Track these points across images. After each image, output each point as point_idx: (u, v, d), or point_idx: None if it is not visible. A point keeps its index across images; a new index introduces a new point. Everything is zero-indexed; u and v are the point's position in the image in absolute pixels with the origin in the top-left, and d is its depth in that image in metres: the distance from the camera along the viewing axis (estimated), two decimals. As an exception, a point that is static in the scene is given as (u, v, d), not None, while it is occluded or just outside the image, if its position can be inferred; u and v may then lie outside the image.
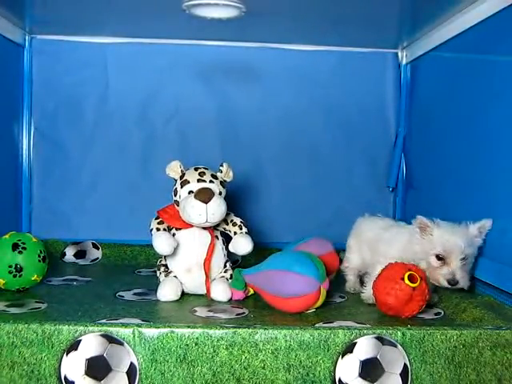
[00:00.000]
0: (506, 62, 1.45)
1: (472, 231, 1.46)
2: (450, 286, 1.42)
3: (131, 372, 1.09)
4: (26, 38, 2.05)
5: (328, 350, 1.11)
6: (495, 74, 1.49)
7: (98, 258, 2.04)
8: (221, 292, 1.55)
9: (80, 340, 1.09)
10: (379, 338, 1.12)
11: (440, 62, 1.86)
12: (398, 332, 1.12)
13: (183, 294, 1.58)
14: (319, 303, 1.43)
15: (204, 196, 1.52)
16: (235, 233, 1.64)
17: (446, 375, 1.12)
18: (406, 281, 1.35)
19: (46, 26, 1.97)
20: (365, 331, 1.12)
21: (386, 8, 1.65)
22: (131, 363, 1.09)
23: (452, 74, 1.76)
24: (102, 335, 1.09)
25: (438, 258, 1.43)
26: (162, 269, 1.62)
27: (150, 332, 1.10)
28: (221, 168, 1.63)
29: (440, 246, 1.43)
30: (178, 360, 1.10)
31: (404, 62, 2.15)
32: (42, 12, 1.80)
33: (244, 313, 1.43)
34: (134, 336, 1.10)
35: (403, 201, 2.17)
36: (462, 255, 1.42)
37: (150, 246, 1.57)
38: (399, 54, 2.16)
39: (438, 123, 1.86)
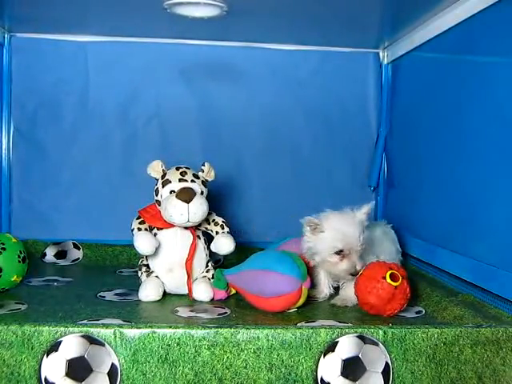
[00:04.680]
0: (486, 62, 1.47)
1: (360, 217, 1.49)
2: (350, 277, 1.46)
3: (112, 373, 1.08)
4: (5, 36, 2.03)
5: (310, 349, 1.11)
6: (475, 74, 1.50)
7: (78, 258, 2.03)
8: (203, 292, 1.54)
9: (60, 341, 1.08)
10: (361, 337, 1.12)
11: (421, 61, 1.87)
12: (380, 331, 1.13)
13: (165, 294, 1.57)
14: (301, 302, 1.43)
15: (186, 196, 1.52)
16: (217, 232, 1.64)
17: (427, 373, 1.13)
18: (388, 280, 1.36)
19: (25, 24, 1.95)
20: (346, 330, 1.12)
21: (367, 8, 1.66)
22: (112, 364, 1.09)
23: (433, 73, 1.77)
24: (83, 336, 1.09)
25: (337, 253, 1.45)
26: (144, 269, 1.62)
27: (132, 332, 1.10)
28: (202, 167, 1.63)
29: (338, 242, 1.45)
30: (160, 360, 1.09)
31: (385, 61, 2.16)
32: (22, 10, 1.78)
33: (226, 312, 1.43)
34: (115, 337, 1.09)
35: (384, 200, 2.18)
36: (360, 246, 1.45)
37: (132, 246, 1.56)
38: (380, 54, 2.17)
39: (419, 123, 1.87)
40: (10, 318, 1.32)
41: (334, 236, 1.46)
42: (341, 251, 1.45)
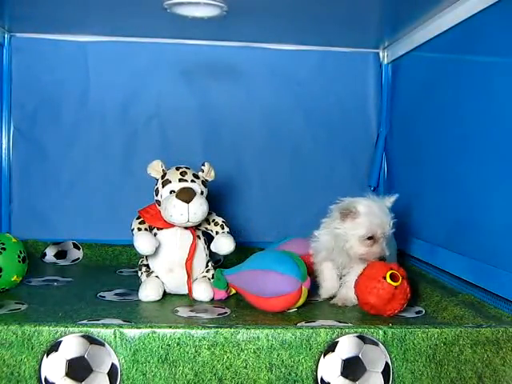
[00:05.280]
0: (486, 62, 1.47)
1: (388, 204, 1.54)
2: (378, 260, 1.48)
3: (112, 373, 1.08)
4: (6, 36, 2.03)
5: (310, 349, 1.11)
6: (475, 73, 1.50)
7: (78, 258, 2.03)
8: (203, 292, 1.54)
9: (60, 341, 1.08)
10: (361, 337, 1.12)
11: (421, 61, 1.87)
12: (380, 331, 1.13)
13: (165, 294, 1.57)
14: (301, 302, 1.43)
15: (186, 195, 1.52)
16: (217, 232, 1.64)
17: (427, 373, 1.13)
18: (388, 280, 1.36)
19: (25, 23, 1.95)
20: (346, 330, 1.12)
21: (367, 8, 1.66)
22: (112, 364, 1.08)
23: (433, 73, 1.77)
24: (83, 336, 1.09)
25: (369, 238, 1.47)
26: (144, 269, 1.62)
27: (132, 332, 1.09)
28: (202, 167, 1.63)
29: (369, 229, 1.47)
30: (160, 360, 1.09)
31: (385, 61, 2.16)
32: (22, 10, 1.78)
33: (226, 312, 1.43)
34: (115, 337, 1.09)
35: (384, 200, 2.18)
36: (389, 232, 1.50)
37: (132, 245, 1.56)
38: (380, 54, 2.17)
39: (419, 123, 1.87)
40: (10, 318, 1.32)
41: (370, 222, 1.47)
42: (372, 236, 1.48)
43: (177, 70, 2.13)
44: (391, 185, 2.12)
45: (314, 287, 1.56)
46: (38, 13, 1.80)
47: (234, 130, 2.15)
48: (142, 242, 1.53)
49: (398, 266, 1.43)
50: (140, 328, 1.10)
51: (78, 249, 2.05)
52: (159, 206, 1.58)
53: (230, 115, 2.15)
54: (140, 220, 1.61)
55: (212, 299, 1.54)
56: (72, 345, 1.08)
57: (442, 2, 1.58)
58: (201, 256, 1.61)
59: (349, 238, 1.49)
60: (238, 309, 1.46)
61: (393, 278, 1.36)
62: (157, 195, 1.59)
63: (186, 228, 1.58)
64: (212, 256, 1.67)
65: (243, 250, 1.82)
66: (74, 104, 2.09)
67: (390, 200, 1.56)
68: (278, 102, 2.16)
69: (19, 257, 1.53)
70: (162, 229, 1.59)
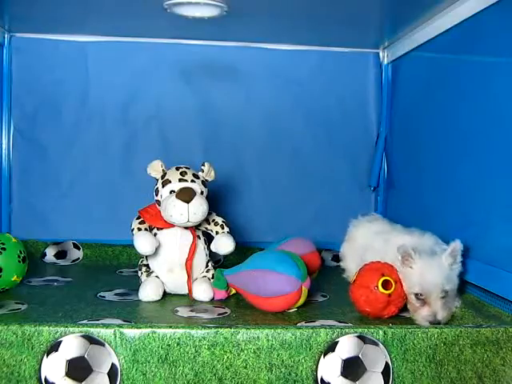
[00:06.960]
0: (486, 62, 1.47)
1: (446, 260, 1.36)
2: (428, 324, 1.32)
3: (113, 373, 1.08)
4: (6, 36, 2.03)
5: (310, 349, 1.11)
6: (475, 73, 1.50)
7: (78, 258, 2.03)
8: (203, 292, 1.54)
9: (60, 341, 1.08)
10: (361, 337, 1.12)
11: (421, 61, 1.87)
12: (380, 331, 1.13)
13: (165, 294, 1.57)
14: (301, 302, 1.43)
15: (185, 195, 1.52)
16: (217, 232, 1.64)
17: (427, 373, 1.13)
18: (381, 289, 1.33)
19: (25, 24, 1.95)
20: (346, 330, 1.13)
21: (367, 8, 1.66)
22: (112, 364, 1.09)
23: (433, 73, 1.77)
24: (83, 336, 1.09)
25: (417, 297, 1.34)
26: (144, 269, 1.62)
27: (132, 332, 1.10)
28: (202, 167, 1.63)
29: (418, 285, 1.34)
30: (160, 360, 1.09)
31: (385, 61, 2.16)
32: (22, 10, 1.78)
33: (226, 312, 1.43)
34: (115, 337, 1.09)
35: (384, 200, 2.18)
36: (442, 294, 1.33)
37: (132, 245, 1.56)
38: (380, 54, 2.17)
39: (419, 123, 1.87)
40: (10, 318, 1.32)
41: (417, 279, 1.34)
42: (420, 295, 1.34)
43: (177, 69, 2.13)
44: (391, 185, 2.12)
45: (315, 287, 1.56)
46: (37, 13, 1.80)
47: (234, 130, 2.15)
48: (142, 242, 1.53)
49: (391, 268, 1.39)
50: (140, 328, 1.10)
51: (78, 249, 2.05)
52: (159, 205, 1.58)
53: (230, 115, 2.15)
54: (140, 220, 1.61)
55: (212, 299, 1.54)
56: (72, 345, 1.08)
57: (442, 2, 1.58)
58: (201, 256, 1.61)
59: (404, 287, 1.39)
60: (237, 309, 1.46)
61: (385, 285, 1.34)
62: (157, 195, 1.59)
63: (186, 228, 1.58)
64: (212, 256, 1.67)
65: (243, 250, 1.82)
66: (74, 104, 2.09)
67: (448, 252, 1.37)
68: (278, 102, 2.16)
69: (19, 257, 1.53)
70: (162, 229, 1.59)
